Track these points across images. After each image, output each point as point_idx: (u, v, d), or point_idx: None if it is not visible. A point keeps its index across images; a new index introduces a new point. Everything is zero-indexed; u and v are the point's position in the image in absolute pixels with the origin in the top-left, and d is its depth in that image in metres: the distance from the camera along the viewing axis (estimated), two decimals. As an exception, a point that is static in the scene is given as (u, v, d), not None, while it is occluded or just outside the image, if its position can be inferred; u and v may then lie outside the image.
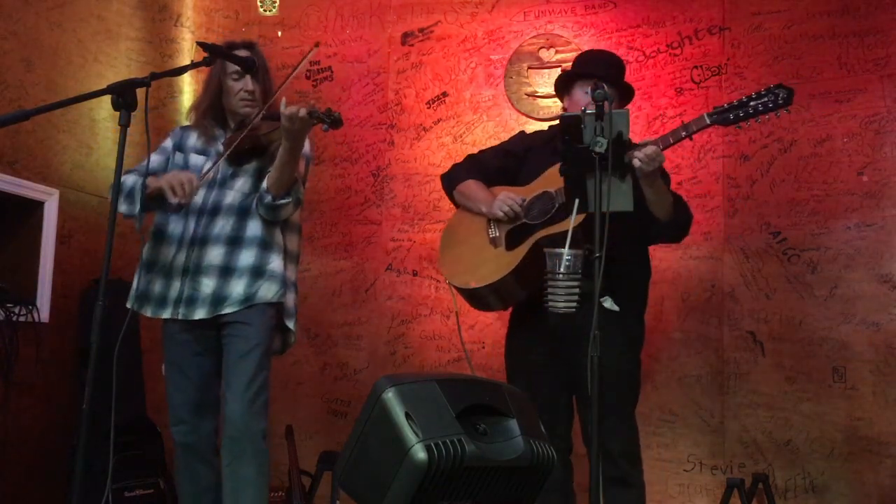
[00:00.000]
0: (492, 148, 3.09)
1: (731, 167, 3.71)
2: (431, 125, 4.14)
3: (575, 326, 2.50)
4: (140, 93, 2.22)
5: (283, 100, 2.51)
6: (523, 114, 4.01)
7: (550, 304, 2.44)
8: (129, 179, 2.68)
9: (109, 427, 2.34)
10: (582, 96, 2.76)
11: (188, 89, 4.30)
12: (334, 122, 2.43)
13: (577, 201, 2.32)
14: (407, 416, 1.90)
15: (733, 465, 3.59)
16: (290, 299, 2.79)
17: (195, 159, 2.77)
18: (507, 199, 2.78)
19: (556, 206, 2.69)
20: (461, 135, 4.10)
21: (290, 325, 2.78)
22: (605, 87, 2.71)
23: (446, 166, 3.82)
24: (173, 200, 2.55)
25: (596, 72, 2.74)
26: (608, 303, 2.67)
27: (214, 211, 2.69)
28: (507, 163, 2.96)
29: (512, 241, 2.77)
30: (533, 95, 4.00)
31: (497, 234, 2.83)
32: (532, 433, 2.08)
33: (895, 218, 3.49)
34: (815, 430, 3.50)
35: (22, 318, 3.28)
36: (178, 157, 2.79)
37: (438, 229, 4.04)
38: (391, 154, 4.18)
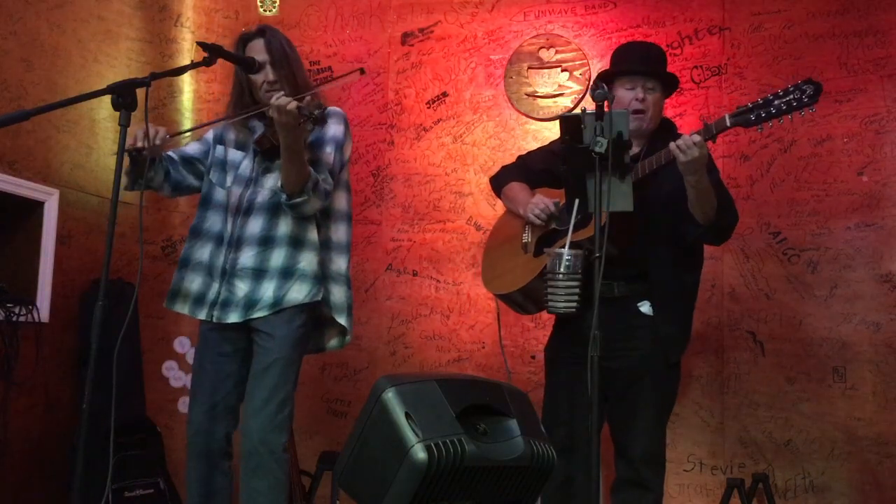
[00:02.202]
0: (539, 148, 3.03)
1: (731, 167, 3.71)
2: (431, 125, 4.14)
3: (605, 329, 2.46)
4: (140, 93, 2.20)
5: (280, 93, 2.45)
6: (523, 114, 4.01)
7: (550, 304, 2.43)
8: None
9: (109, 427, 2.33)
10: (625, 93, 2.65)
11: (188, 89, 4.30)
12: (315, 119, 2.36)
13: (577, 201, 2.32)
14: (407, 416, 1.90)
15: (733, 465, 3.59)
16: (339, 293, 2.69)
17: (233, 154, 2.72)
18: (539, 201, 2.71)
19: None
20: (461, 135, 4.10)
21: (342, 321, 2.68)
22: (652, 80, 2.64)
23: (446, 166, 3.83)
24: (138, 145, 2.46)
25: (636, 68, 2.66)
26: (645, 307, 2.63)
27: (249, 210, 2.64)
28: (551, 164, 2.86)
29: (540, 248, 2.72)
30: (533, 95, 4.00)
31: (529, 239, 2.79)
32: (532, 433, 2.08)
33: (895, 218, 3.50)
34: (815, 430, 3.50)
35: (22, 318, 3.27)
36: (219, 150, 2.74)
37: (438, 229, 4.04)
38: (391, 154, 4.18)
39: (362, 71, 2.65)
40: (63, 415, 3.55)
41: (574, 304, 2.41)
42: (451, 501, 1.93)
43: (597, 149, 2.13)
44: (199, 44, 2.60)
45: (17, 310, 3.26)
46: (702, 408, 3.65)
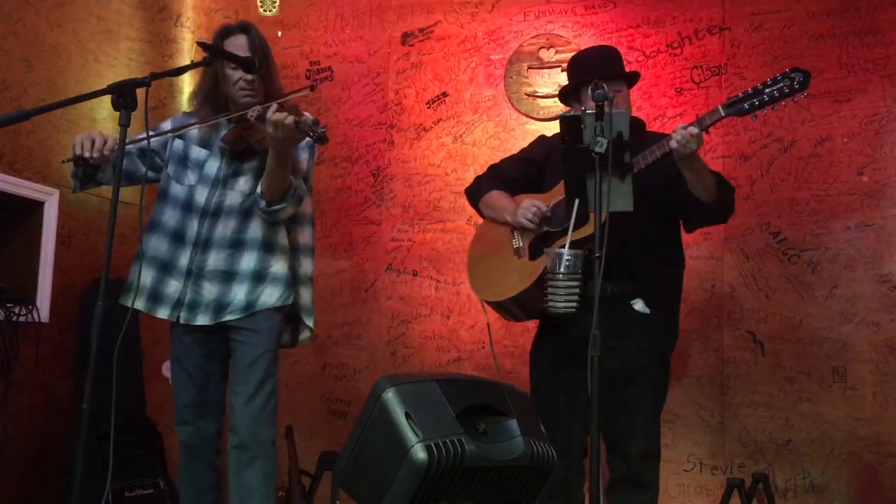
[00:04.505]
0: (512, 156, 3.05)
1: (731, 167, 3.71)
2: (431, 125, 4.14)
3: (605, 328, 2.46)
4: (140, 93, 2.20)
5: (274, 105, 2.44)
6: (523, 114, 4.01)
7: (550, 304, 2.43)
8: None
9: (109, 427, 2.33)
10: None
11: (188, 89, 4.29)
12: (319, 138, 2.36)
13: (577, 202, 2.32)
14: (407, 416, 1.90)
15: (733, 465, 3.59)
16: (307, 296, 2.74)
17: (197, 152, 2.69)
18: (530, 206, 2.73)
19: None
20: (461, 135, 4.10)
21: (310, 322, 2.75)
22: (616, 81, 2.69)
23: (446, 166, 3.83)
24: (79, 153, 2.43)
25: (602, 73, 2.68)
26: (639, 305, 2.65)
27: (217, 212, 2.63)
28: (527, 171, 2.91)
29: (535, 251, 2.73)
30: (533, 95, 4.00)
31: (521, 244, 2.79)
32: (532, 433, 2.08)
33: (895, 218, 3.50)
34: (815, 430, 3.50)
35: (22, 318, 3.27)
36: (179, 144, 2.70)
37: (438, 229, 4.04)
38: (391, 154, 4.18)
39: (312, 88, 2.69)
40: (63, 415, 3.55)
41: (574, 304, 2.41)
42: (451, 501, 1.93)
43: (597, 149, 2.14)
44: (199, 43, 2.60)
45: (17, 310, 3.26)
46: (702, 408, 3.65)
